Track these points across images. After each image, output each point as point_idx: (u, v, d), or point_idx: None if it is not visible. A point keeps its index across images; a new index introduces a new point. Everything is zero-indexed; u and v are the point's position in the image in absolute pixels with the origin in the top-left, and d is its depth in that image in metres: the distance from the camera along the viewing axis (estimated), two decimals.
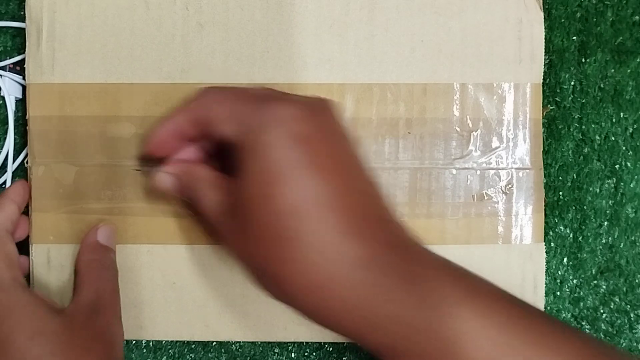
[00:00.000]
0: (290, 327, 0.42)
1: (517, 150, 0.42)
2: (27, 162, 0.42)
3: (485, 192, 0.42)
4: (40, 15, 0.41)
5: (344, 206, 0.31)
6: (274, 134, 0.31)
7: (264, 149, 0.31)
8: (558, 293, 0.44)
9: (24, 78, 0.43)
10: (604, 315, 0.45)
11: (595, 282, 0.45)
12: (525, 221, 0.42)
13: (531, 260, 0.42)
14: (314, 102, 0.33)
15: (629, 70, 0.45)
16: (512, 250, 0.42)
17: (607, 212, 0.44)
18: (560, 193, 0.44)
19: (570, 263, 0.44)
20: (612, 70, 0.45)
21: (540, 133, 0.42)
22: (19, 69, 0.44)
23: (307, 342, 0.44)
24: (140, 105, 0.42)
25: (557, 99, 0.44)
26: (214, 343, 0.44)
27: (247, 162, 0.31)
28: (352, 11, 0.42)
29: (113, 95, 0.42)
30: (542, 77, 0.42)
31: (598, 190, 0.44)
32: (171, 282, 0.42)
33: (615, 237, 0.44)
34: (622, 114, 0.44)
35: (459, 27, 0.42)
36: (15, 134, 0.44)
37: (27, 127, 0.42)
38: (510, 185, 0.42)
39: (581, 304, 0.44)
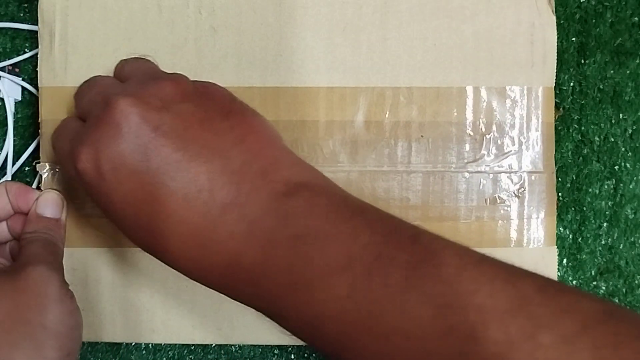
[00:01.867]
0: None
1: (529, 154, 0.42)
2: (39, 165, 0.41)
3: (498, 196, 0.42)
4: (53, 19, 0.41)
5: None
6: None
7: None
8: None
9: (23, 80, 0.43)
10: None
11: (594, 283, 0.45)
12: (537, 225, 0.42)
13: (543, 264, 0.42)
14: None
15: (628, 72, 0.45)
16: (524, 254, 0.42)
17: (607, 213, 0.45)
18: (560, 194, 0.45)
19: (570, 264, 0.45)
20: (612, 72, 0.45)
21: (552, 136, 0.43)
22: (17, 70, 0.44)
23: (306, 345, 0.44)
24: None
25: (556, 100, 0.45)
26: (214, 345, 0.44)
27: None
28: (365, 15, 0.41)
29: None
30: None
31: (597, 192, 0.45)
32: (184, 285, 0.42)
33: (615, 238, 0.45)
34: (621, 115, 0.45)
35: (471, 31, 0.42)
36: (14, 135, 0.43)
37: (40, 131, 0.41)
38: (522, 189, 0.42)
39: None
